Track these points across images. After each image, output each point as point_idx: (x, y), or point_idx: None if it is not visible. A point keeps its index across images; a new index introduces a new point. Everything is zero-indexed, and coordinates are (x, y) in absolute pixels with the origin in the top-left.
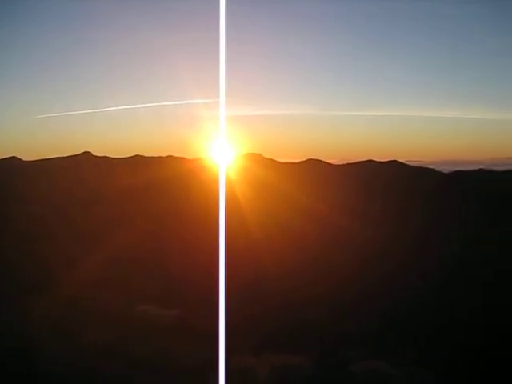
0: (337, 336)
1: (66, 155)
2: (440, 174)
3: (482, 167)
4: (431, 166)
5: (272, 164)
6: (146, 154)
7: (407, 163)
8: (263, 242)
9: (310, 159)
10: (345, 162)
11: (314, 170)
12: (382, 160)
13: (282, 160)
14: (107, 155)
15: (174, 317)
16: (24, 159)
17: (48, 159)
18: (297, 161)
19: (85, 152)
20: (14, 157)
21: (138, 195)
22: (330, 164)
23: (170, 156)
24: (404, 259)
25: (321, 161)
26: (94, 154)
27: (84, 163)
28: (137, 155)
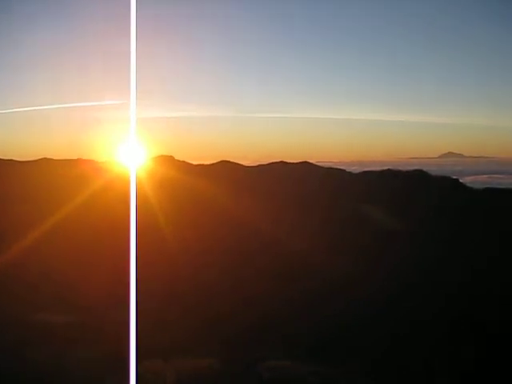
0: (246, 338)
1: None
2: (350, 174)
3: (389, 167)
4: (341, 167)
5: (184, 166)
6: (54, 157)
7: (318, 164)
8: (175, 245)
9: (223, 161)
10: (257, 164)
11: (227, 171)
12: (294, 161)
13: (194, 162)
14: (13, 158)
15: (76, 324)
16: None
17: None
18: (209, 162)
19: None
20: None
21: (44, 199)
22: (242, 165)
23: (80, 159)
24: (316, 257)
25: (233, 162)
26: None
27: None
28: (44, 158)
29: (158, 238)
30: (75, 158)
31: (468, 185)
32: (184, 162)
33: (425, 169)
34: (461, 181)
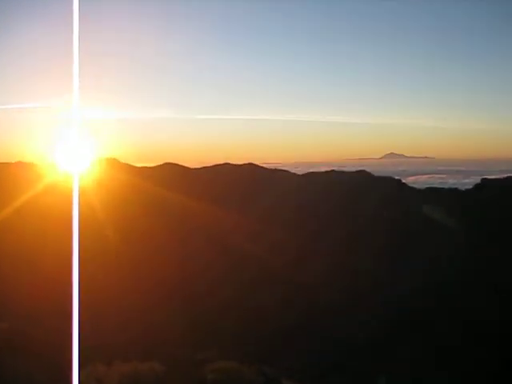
0: (189, 341)
1: None
2: (294, 175)
3: (334, 168)
4: (286, 168)
5: (128, 168)
6: None
7: (263, 165)
8: (118, 247)
9: (167, 163)
10: (201, 166)
11: (171, 173)
12: (239, 163)
13: (138, 164)
14: None
15: (13, 331)
16: None
17: None
18: (153, 165)
19: None
20: None
21: None
22: (186, 168)
23: (20, 162)
24: (259, 259)
25: (177, 165)
26: None
27: None
28: None
29: (100, 240)
30: (15, 161)
31: (410, 184)
32: (128, 164)
33: (368, 169)
34: (403, 181)
